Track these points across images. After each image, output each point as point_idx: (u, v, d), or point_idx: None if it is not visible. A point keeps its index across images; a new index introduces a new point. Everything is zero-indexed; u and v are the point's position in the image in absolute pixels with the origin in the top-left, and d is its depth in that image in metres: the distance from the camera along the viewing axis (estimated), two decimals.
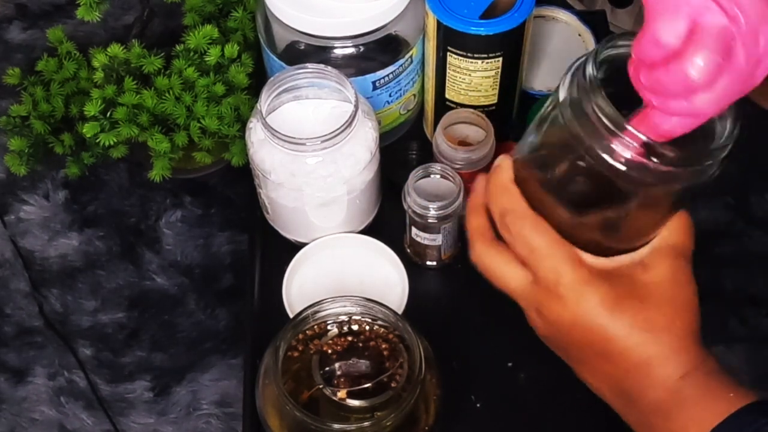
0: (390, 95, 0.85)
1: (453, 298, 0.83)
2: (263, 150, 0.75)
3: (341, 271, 0.81)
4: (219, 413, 1.20)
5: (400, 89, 0.85)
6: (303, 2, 0.79)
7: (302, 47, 0.82)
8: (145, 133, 1.06)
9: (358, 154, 0.75)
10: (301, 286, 0.80)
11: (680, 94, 0.48)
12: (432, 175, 0.78)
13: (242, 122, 1.06)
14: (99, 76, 1.07)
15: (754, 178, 1.32)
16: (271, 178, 0.76)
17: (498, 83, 0.81)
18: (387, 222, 0.84)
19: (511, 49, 0.79)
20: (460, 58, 0.78)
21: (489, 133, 0.79)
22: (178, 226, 1.33)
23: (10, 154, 1.17)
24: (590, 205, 0.56)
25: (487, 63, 0.78)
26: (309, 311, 0.67)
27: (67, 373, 1.23)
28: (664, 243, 0.58)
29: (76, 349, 1.24)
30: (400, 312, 0.73)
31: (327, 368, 0.66)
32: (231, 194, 1.35)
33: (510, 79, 0.82)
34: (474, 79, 0.80)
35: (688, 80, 0.47)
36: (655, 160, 0.50)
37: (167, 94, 1.05)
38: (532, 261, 0.57)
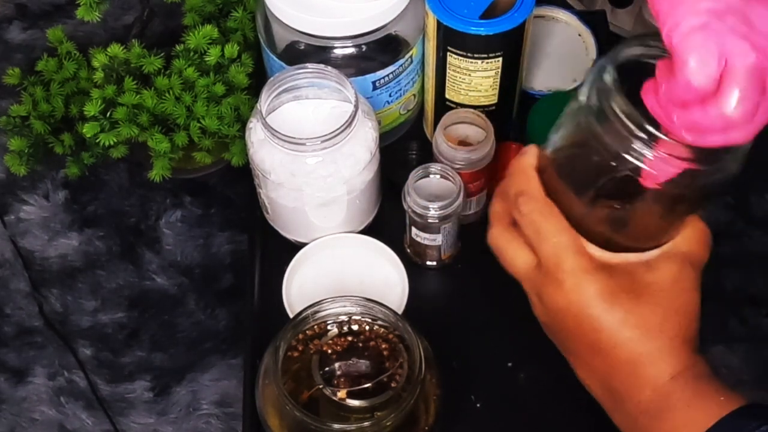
0: (390, 95, 0.85)
1: (453, 298, 0.83)
2: (263, 150, 0.75)
3: (341, 271, 0.81)
4: (219, 413, 1.20)
5: (400, 89, 0.85)
6: (303, 2, 0.78)
7: (302, 47, 0.82)
8: (145, 133, 1.06)
9: (358, 154, 0.75)
10: (301, 286, 0.80)
11: (718, 131, 0.48)
12: (432, 175, 0.78)
13: (242, 122, 1.06)
14: (99, 76, 1.07)
15: (754, 178, 1.31)
16: (271, 178, 0.76)
17: (498, 83, 0.81)
18: (387, 222, 0.84)
19: (511, 49, 0.79)
20: (460, 58, 0.78)
21: (489, 133, 0.79)
22: (178, 226, 1.33)
23: (10, 154, 1.17)
24: (607, 199, 0.57)
25: (487, 63, 0.78)
26: (309, 311, 0.67)
27: (67, 373, 1.23)
28: (675, 248, 0.58)
29: (76, 349, 1.24)
30: (400, 312, 0.73)
31: (327, 368, 0.66)
32: (231, 194, 1.35)
33: (510, 79, 0.82)
34: (474, 79, 0.80)
35: (727, 120, 0.47)
36: (679, 159, 0.51)
37: (167, 94, 1.05)
38: (537, 243, 0.58)
